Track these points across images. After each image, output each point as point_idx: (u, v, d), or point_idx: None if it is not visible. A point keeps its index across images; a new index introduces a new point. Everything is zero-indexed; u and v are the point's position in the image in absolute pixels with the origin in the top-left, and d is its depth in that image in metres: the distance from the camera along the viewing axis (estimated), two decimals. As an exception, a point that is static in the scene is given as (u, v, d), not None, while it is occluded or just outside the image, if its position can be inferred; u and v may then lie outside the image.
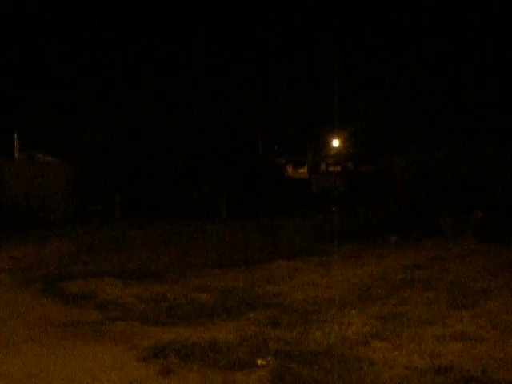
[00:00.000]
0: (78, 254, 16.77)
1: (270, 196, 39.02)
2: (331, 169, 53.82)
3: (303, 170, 58.04)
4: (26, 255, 16.33)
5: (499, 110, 35.60)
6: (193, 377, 7.31)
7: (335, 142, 56.15)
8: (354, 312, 10.04)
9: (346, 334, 8.78)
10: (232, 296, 11.57)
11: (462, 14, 50.97)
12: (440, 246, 18.64)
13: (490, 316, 9.65)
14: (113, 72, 40.46)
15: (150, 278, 13.70)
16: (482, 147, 27.67)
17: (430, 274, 13.51)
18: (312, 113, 48.86)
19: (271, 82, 45.92)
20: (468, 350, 7.95)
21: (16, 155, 36.89)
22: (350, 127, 52.92)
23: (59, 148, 38.13)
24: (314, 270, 14.51)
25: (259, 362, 7.65)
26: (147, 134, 39.16)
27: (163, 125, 40.05)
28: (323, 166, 55.74)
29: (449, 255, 16.53)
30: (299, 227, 24.23)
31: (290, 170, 55.90)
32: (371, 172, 44.76)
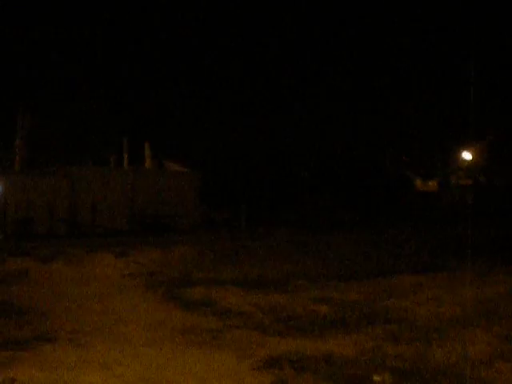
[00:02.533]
0: (202, 261, 17.04)
1: (396, 209, 38.21)
2: (462, 182, 51.99)
3: (432, 183, 56.39)
4: (152, 261, 16.77)
5: None
6: (306, 389, 7.18)
7: (467, 155, 54.17)
8: (478, 330, 9.54)
9: (468, 353, 8.34)
10: (352, 309, 11.32)
11: None
12: None
13: None
14: (241, 85, 41.04)
15: (271, 287, 13.66)
16: None
17: None
18: (443, 124, 47.20)
19: (400, 93, 44.82)
20: None
21: (147, 163, 38.11)
22: (483, 139, 50.96)
23: (188, 157, 39.08)
24: (439, 285, 13.96)
25: (375, 377, 7.39)
26: (273, 145, 39.41)
27: (288, 136, 40.16)
28: (453, 179, 53.93)
29: None
30: (426, 241, 23.50)
31: (418, 182, 54.50)
32: (506, 186, 42.93)
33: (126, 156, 38.20)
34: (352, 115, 43.33)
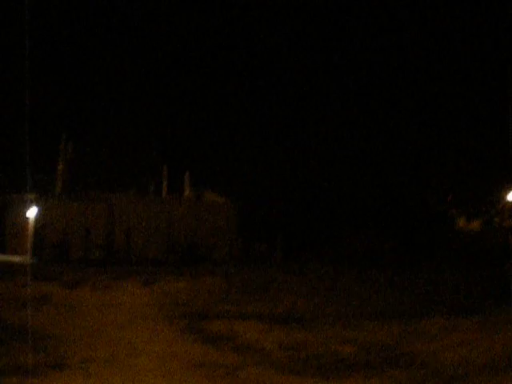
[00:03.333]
0: (229, 293, 16.71)
1: (437, 247, 37.33)
2: (506, 224, 50.77)
3: (476, 223, 55.22)
4: (178, 291, 16.52)
5: None
6: None
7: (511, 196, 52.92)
8: (508, 379, 8.99)
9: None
10: (377, 351, 10.85)
11: None
12: None
13: None
14: (282, 118, 40.98)
15: (296, 324, 13.26)
16: None
17: None
18: (489, 163, 46.24)
19: (448, 133, 44.09)
20: None
21: (186, 192, 38.14)
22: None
23: (227, 187, 38.96)
24: (472, 329, 13.33)
25: None
26: (313, 177, 39.05)
27: (327, 169, 39.75)
28: (497, 220, 52.73)
29: None
30: (464, 282, 22.76)
31: (461, 222, 53.42)
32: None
33: (164, 184, 38.31)
34: (396, 151, 42.75)
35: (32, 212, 33.07)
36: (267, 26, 47.41)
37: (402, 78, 45.97)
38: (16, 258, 31.43)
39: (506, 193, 54.06)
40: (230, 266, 26.95)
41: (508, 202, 54.12)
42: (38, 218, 32.50)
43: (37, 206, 32.74)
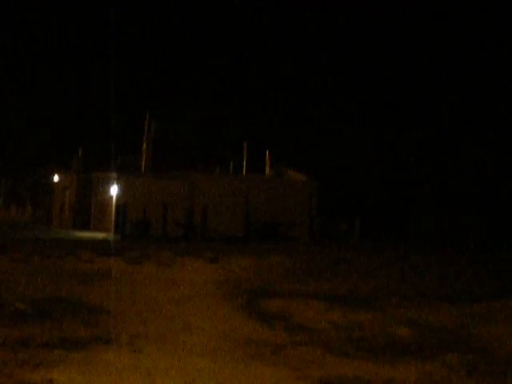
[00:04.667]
0: (293, 272, 16.51)
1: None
2: None
3: None
4: (243, 268, 16.45)
5: None
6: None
7: None
8: None
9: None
10: (435, 334, 10.42)
11: None
12: None
13: None
14: (365, 98, 40.15)
15: (357, 304, 12.93)
16: None
17: None
18: None
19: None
20: None
21: (266, 171, 38.09)
22: None
23: (309, 166, 38.63)
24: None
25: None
26: (395, 157, 38.20)
27: (412, 150, 38.75)
28: None
29: None
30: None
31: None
32: None
33: (244, 162, 38.39)
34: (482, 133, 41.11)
35: (114, 190, 33.88)
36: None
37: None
38: (99, 235, 32.31)
39: None
40: (306, 244, 26.75)
41: None
42: (120, 196, 33.24)
43: (119, 184, 33.49)
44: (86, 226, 35.72)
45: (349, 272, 17.05)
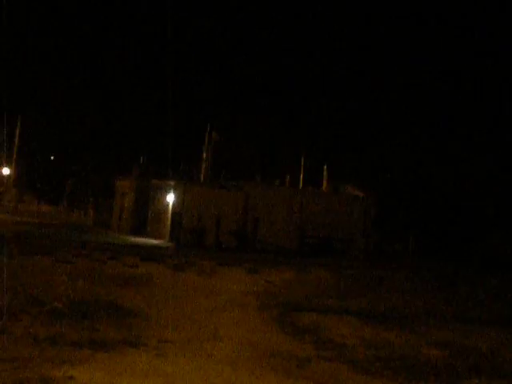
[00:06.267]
0: (334, 286, 16.42)
1: None
2: None
3: None
4: (282, 281, 16.46)
5: None
6: None
7: None
8: None
9: None
10: (466, 357, 10.22)
11: None
12: None
13: None
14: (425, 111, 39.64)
15: (393, 323, 12.79)
16: None
17: None
18: None
19: None
20: None
21: (323, 186, 38.01)
22: None
23: (366, 181, 38.34)
24: None
25: None
26: (455, 173, 37.45)
27: (475, 167, 37.85)
28: None
29: None
30: None
31: None
32: None
33: (301, 176, 38.41)
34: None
35: (171, 198, 34.36)
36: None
37: None
38: (154, 241, 32.80)
39: None
40: (359, 261, 26.53)
41: None
42: (176, 204, 33.70)
43: (176, 192, 33.96)
44: (142, 232, 36.32)
45: (391, 291, 16.84)
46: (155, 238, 34.47)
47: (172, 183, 34.82)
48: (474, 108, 40.77)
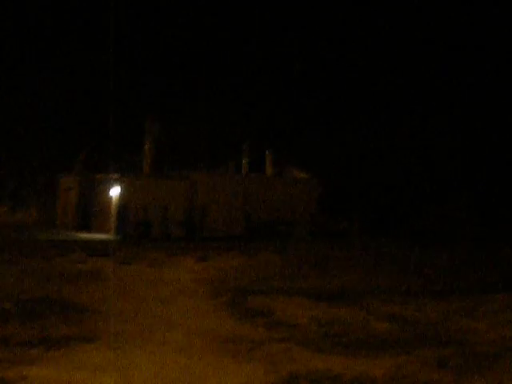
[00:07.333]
0: (283, 269, 16.62)
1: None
2: None
3: None
4: (231, 267, 16.58)
5: None
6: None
7: None
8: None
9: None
10: (414, 329, 10.53)
11: None
12: None
13: None
14: (365, 94, 39.99)
15: (343, 300, 13.05)
16: None
17: None
18: None
19: None
20: None
21: (267, 170, 38.22)
22: None
23: (310, 164, 38.63)
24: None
25: None
26: (394, 151, 38.06)
27: (412, 142, 38.46)
28: None
29: None
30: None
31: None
32: None
33: (245, 162, 38.52)
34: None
35: (115, 191, 34.06)
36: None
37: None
38: (100, 236, 32.50)
39: None
40: (305, 242, 26.82)
41: None
42: (120, 197, 33.42)
43: (120, 185, 33.68)
44: (88, 228, 35.95)
45: (339, 269, 17.15)
46: (102, 232, 34.15)
47: (116, 176, 34.50)
48: (409, 88, 41.32)
